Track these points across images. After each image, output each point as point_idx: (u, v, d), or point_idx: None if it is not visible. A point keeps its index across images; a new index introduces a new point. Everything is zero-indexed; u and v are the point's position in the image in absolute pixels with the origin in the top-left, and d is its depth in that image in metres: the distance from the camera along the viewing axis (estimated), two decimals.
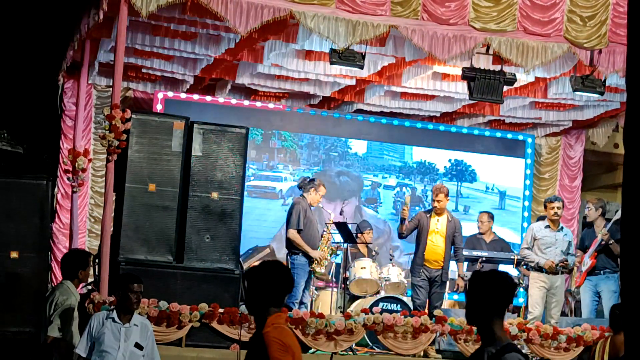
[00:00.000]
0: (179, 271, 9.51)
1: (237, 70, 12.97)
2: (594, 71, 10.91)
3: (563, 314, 11.80)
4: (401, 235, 11.19)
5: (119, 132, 9.19)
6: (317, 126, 14.45)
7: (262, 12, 9.75)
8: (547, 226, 10.94)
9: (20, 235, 8.73)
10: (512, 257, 11.98)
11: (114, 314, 7.27)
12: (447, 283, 11.12)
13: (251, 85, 13.47)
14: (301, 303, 10.78)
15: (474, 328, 9.83)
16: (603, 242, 11.28)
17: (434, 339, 10.09)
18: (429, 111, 14.58)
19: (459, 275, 11.22)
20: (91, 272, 8.97)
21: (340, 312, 10.78)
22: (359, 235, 12.18)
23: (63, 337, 8.05)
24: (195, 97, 13.73)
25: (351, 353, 9.83)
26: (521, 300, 12.82)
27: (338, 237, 11.45)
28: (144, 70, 13.07)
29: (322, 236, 11.25)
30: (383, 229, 14.49)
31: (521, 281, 11.89)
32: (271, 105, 14.24)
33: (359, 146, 14.67)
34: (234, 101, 14.03)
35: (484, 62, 11.20)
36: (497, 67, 11.01)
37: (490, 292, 4.08)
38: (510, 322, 10.17)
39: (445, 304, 12.17)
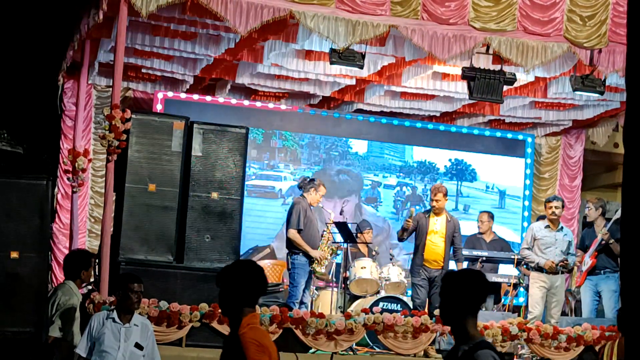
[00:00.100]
0: (179, 271, 9.52)
1: (237, 70, 12.97)
2: (594, 71, 10.92)
3: (563, 313, 11.80)
4: (401, 239, 11.21)
5: (119, 132, 9.19)
6: (317, 126, 14.45)
7: (262, 12, 9.75)
8: (547, 226, 10.94)
9: (21, 235, 8.72)
10: (512, 257, 11.97)
11: (114, 314, 7.27)
12: None
13: (251, 85, 13.47)
14: (301, 303, 10.78)
15: None
16: (603, 242, 11.28)
17: (434, 339, 10.09)
18: (429, 111, 14.58)
19: None
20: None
21: (341, 311, 10.78)
22: (358, 235, 12.19)
23: (65, 337, 8.05)
24: (195, 97, 13.73)
25: (351, 353, 9.83)
26: (521, 300, 12.82)
27: (338, 237, 11.45)
28: (143, 70, 13.07)
29: (322, 236, 11.25)
30: (382, 226, 14.49)
31: (521, 281, 11.89)
32: (271, 105, 14.24)
33: (359, 145, 14.67)
34: (233, 101, 14.03)
35: (483, 62, 11.20)
36: (497, 67, 11.00)
37: (463, 291, 4.09)
38: (511, 321, 10.18)
39: None
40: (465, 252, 11.72)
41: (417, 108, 14.45)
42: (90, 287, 9.19)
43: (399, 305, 10.79)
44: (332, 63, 10.66)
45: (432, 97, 13.98)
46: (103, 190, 10.23)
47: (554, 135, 15.27)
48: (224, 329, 9.20)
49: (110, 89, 10.23)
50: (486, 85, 10.86)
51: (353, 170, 14.61)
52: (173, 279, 9.45)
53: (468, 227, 13.16)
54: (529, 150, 15.18)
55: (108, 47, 11.51)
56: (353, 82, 13.17)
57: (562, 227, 11.02)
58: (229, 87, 13.89)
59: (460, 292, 4.09)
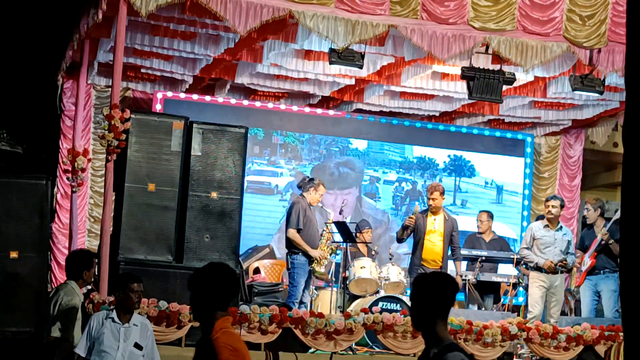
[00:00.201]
0: (178, 271, 9.51)
1: (236, 70, 12.97)
2: (593, 70, 10.92)
3: (563, 313, 11.80)
4: (401, 240, 11.20)
5: (118, 132, 9.19)
6: (316, 126, 14.45)
7: (262, 11, 9.74)
8: (546, 226, 10.94)
9: (20, 235, 8.73)
10: (512, 257, 11.97)
11: (114, 314, 7.27)
12: None
13: (250, 85, 13.47)
14: (301, 302, 10.78)
15: (474, 327, 9.85)
16: (603, 242, 11.28)
17: None
18: (428, 111, 14.59)
19: (457, 274, 11.22)
20: None
21: (340, 311, 10.78)
22: (358, 234, 12.18)
23: (66, 337, 8.04)
24: (195, 97, 13.73)
25: (351, 353, 9.83)
26: (521, 299, 12.83)
27: (338, 237, 11.45)
28: (143, 70, 13.07)
29: (321, 235, 11.25)
30: (382, 219, 14.50)
31: (521, 280, 11.89)
32: (270, 105, 14.25)
33: (359, 142, 14.68)
34: (233, 101, 14.03)
35: (483, 62, 11.20)
36: (497, 67, 11.00)
37: (433, 295, 4.10)
38: (510, 321, 10.18)
39: None
40: (464, 251, 11.73)
41: (417, 108, 14.45)
42: (88, 287, 9.19)
43: (398, 305, 10.78)
44: (331, 63, 10.66)
45: (431, 96, 13.99)
46: (102, 190, 10.23)
47: (553, 135, 15.27)
48: None
49: (110, 88, 10.23)
50: (485, 85, 10.86)
51: (353, 162, 14.60)
52: (172, 279, 9.45)
53: (465, 223, 13.18)
54: (528, 149, 15.19)
55: (107, 46, 11.51)
56: (352, 82, 13.17)
57: (561, 227, 11.01)
58: (228, 87, 13.89)
59: (430, 296, 4.10)
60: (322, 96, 14.04)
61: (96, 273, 9.09)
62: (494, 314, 11.23)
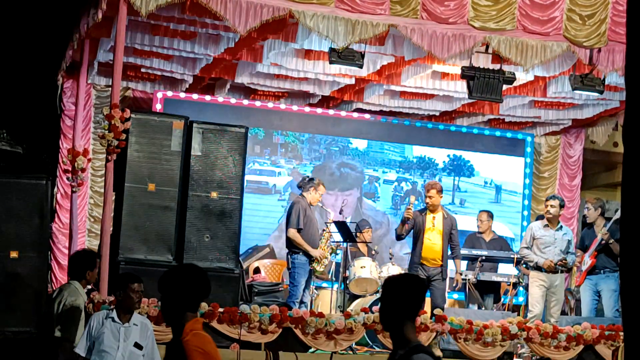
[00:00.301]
0: None
1: (236, 70, 12.97)
2: (594, 70, 10.92)
3: (563, 312, 11.80)
4: (400, 237, 11.18)
5: (118, 131, 9.19)
6: (316, 125, 14.45)
7: (262, 11, 9.75)
8: (546, 225, 10.94)
9: (20, 235, 8.72)
10: (512, 256, 11.97)
11: (114, 314, 7.27)
12: (447, 281, 11.09)
13: (250, 84, 13.47)
14: (301, 302, 10.78)
15: (474, 327, 9.85)
16: (603, 242, 11.28)
17: (440, 335, 10.10)
18: (428, 110, 14.58)
19: (457, 272, 11.22)
20: None
21: (340, 311, 10.78)
22: (358, 234, 12.19)
23: (69, 337, 8.03)
24: (195, 96, 13.72)
25: (351, 352, 9.83)
26: (521, 299, 12.83)
27: (338, 236, 11.46)
28: (143, 70, 13.07)
29: (321, 235, 11.25)
30: (382, 220, 14.49)
31: (521, 280, 11.89)
32: (270, 105, 14.25)
33: (359, 142, 14.68)
34: (233, 100, 14.03)
35: (483, 61, 11.20)
36: (497, 66, 11.00)
37: (401, 296, 4.10)
38: (510, 321, 10.18)
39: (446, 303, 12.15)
40: (464, 251, 11.72)
41: (417, 107, 14.45)
42: (88, 287, 9.18)
43: None
44: (331, 62, 10.66)
45: (431, 96, 13.98)
46: (102, 190, 10.23)
47: (553, 135, 15.27)
48: (224, 329, 9.21)
49: (110, 88, 10.23)
50: (485, 84, 10.86)
51: (354, 163, 14.60)
52: None
53: (464, 222, 13.17)
54: (528, 149, 15.19)
55: (107, 46, 11.51)
56: (352, 81, 13.17)
57: (561, 226, 11.01)
58: (228, 86, 13.89)
59: (398, 297, 4.10)
60: (322, 96, 14.04)
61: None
62: (494, 313, 11.23)
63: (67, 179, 11.26)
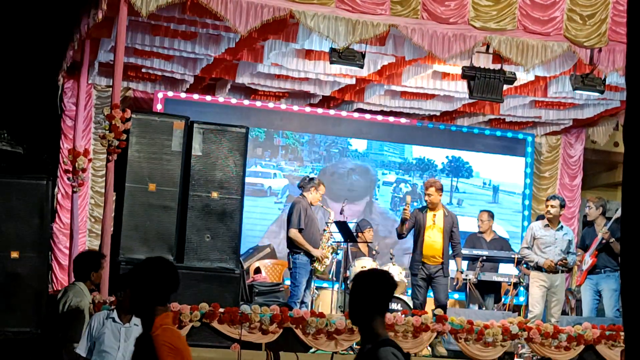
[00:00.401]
0: (179, 271, 9.45)
1: (237, 70, 12.97)
2: (594, 70, 10.92)
3: (564, 312, 11.80)
4: (401, 236, 11.18)
5: (119, 131, 9.20)
6: (317, 125, 14.45)
7: (262, 11, 9.75)
8: (547, 225, 10.94)
9: (21, 235, 8.72)
10: (513, 256, 11.97)
11: (114, 314, 7.27)
12: (449, 279, 11.07)
13: (251, 84, 13.47)
14: (302, 302, 10.78)
15: (474, 327, 9.85)
16: (604, 241, 11.27)
17: (440, 335, 10.11)
18: (429, 110, 14.58)
19: (458, 271, 11.22)
20: None
21: (341, 311, 10.78)
22: (359, 234, 12.19)
23: (74, 338, 8.02)
24: (195, 96, 13.73)
25: (352, 352, 9.82)
26: (522, 299, 12.83)
27: (338, 236, 11.45)
28: (143, 70, 13.07)
29: (322, 235, 11.26)
30: (391, 229, 14.38)
31: (522, 280, 11.89)
32: (271, 105, 14.25)
33: (359, 143, 14.67)
34: (233, 101, 14.03)
35: (483, 61, 11.20)
36: (497, 66, 11.00)
37: (370, 291, 4.12)
38: (511, 321, 10.18)
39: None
40: (465, 251, 11.72)
41: (417, 107, 14.45)
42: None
43: (399, 305, 10.79)
44: (332, 62, 10.66)
45: (432, 96, 13.98)
46: (103, 190, 10.23)
47: (554, 135, 15.27)
48: (225, 329, 9.21)
49: (110, 88, 10.23)
50: (486, 84, 10.86)
51: (363, 166, 14.54)
52: None
53: (461, 222, 13.15)
54: (529, 149, 15.19)
55: (108, 47, 11.51)
56: (353, 81, 13.17)
57: (561, 226, 11.01)
58: (229, 86, 13.90)
59: (367, 292, 4.12)
60: (323, 96, 14.04)
61: None
62: (494, 313, 11.23)
63: (68, 179, 11.26)
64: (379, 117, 14.57)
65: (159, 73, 13.15)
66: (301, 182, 11.51)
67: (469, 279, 11.73)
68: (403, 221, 10.91)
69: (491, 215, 12.97)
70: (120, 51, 9.46)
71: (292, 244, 11.02)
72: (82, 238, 12.90)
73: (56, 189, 12.94)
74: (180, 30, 11.20)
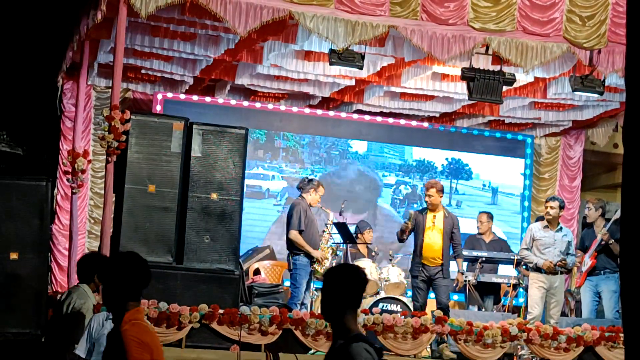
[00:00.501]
0: (178, 272, 9.51)
1: (236, 71, 12.97)
2: (594, 71, 10.92)
3: (563, 314, 11.80)
4: (401, 240, 11.19)
5: (118, 133, 9.20)
6: (316, 127, 14.45)
7: (261, 12, 9.75)
8: (546, 226, 10.95)
9: (20, 236, 8.72)
10: (512, 258, 11.97)
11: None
12: (450, 280, 11.07)
13: (250, 85, 13.47)
14: (301, 304, 10.78)
15: (474, 328, 9.85)
16: (603, 242, 11.27)
17: (443, 338, 10.13)
18: (428, 111, 14.58)
19: (458, 272, 11.22)
20: None
21: None
22: (359, 235, 12.18)
23: (77, 340, 8.01)
24: (195, 98, 13.72)
25: None
26: (521, 300, 12.82)
27: (338, 237, 11.45)
28: (143, 71, 13.07)
29: (321, 236, 11.25)
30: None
31: (521, 281, 11.89)
32: (270, 106, 14.25)
33: (359, 145, 14.67)
34: (233, 102, 14.03)
35: (483, 63, 11.20)
36: (497, 68, 11.00)
37: (342, 286, 4.12)
38: (510, 322, 10.17)
39: None
40: (464, 252, 11.71)
41: (417, 109, 14.45)
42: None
43: (398, 306, 10.79)
44: (331, 64, 10.66)
45: (431, 97, 13.98)
46: (103, 191, 10.23)
47: (553, 136, 15.27)
48: (224, 330, 9.21)
49: (110, 89, 10.23)
50: (485, 85, 10.86)
51: (367, 173, 14.48)
52: (173, 280, 9.44)
53: (461, 223, 13.16)
54: (528, 150, 15.19)
55: (107, 48, 11.51)
56: (352, 82, 13.17)
57: (561, 228, 11.01)
58: (228, 87, 13.89)
59: (339, 288, 4.11)
60: (322, 97, 14.04)
61: None
62: (494, 314, 11.23)
63: (67, 180, 11.26)
64: (379, 119, 14.57)
65: (159, 74, 13.15)
66: (300, 184, 11.50)
67: (469, 280, 11.73)
68: (403, 231, 10.94)
69: (490, 216, 12.97)
70: (120, 52, 9.46)
71: (292, 246, 11.01)
72: (82, 239, 12.91)
73: (56, 190, 12.93)
74: (180, 32, 11.21)
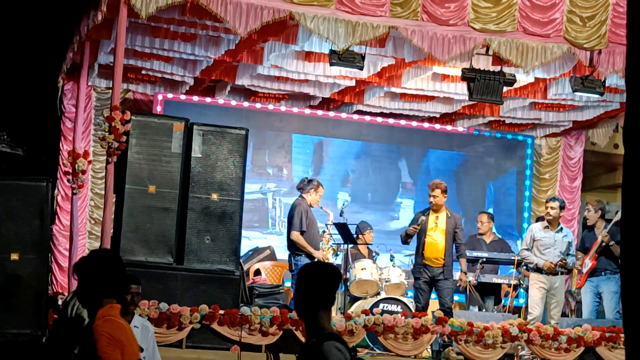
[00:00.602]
0: (179, 273, 9.51)
1: (236, 72, 12.97)
2: (594, 72, 10.91)
3: (563, 314, 11.80)
4: (406, 243, 11.21)
5: (118, 133, 9.19)
6: (316, 127, 14.45)
7: (262, 13, 9.74)
8: (546, 227, 10.95)
9: (21, 236, 8.73)
10: (513, 258, 11.97)
11: None
12: (453, 282, 11.07)
13: (251, 86, 13.47)
14: None
15: (474, 329, 9.84)
16: (603, 244, 11.26)
17: (447, 342, 10.14)
18: (428, 112, 14.58)
19: (461, 272, 11.22)
20: None
21: (341, 313, 10.77)
22: (359, 235, 12.18)
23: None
24: (195, 98, 13.72)
25: (352, 354, 9.80)
26: (521, 301, 12.82)
27: (338, 237, 11.44)
28: (143, 72, 13.07)
29: (322, 236, 11.25)
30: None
31: (522, 282, 11.89)
32: (271, 107, 14.24)
33: (359, 146, 14.66)
34: (233, 102, 14.02)
35: (483, 63, 11.20)
36: (497, 68, 11.00)
37: (315, 285, 4.08)
38: (511, 322, 10.18)
39: None
40: None
41: (417, 109, 14.44)
42: None
43: (399, 307, 10.78)
44: (331, 64, 10.66)
45: (432, 98, 13.98)
46: (103, 192, 10.23)
47: (553, 136, 15.26)
48: (224, 331, 9.21)
49: (110, 90, 10.23)
50: (486, 86, 10.85)
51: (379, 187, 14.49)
52: (173, 281, 9.45)
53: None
54: (528, 151, 15.18)
55: (108, 48, 11.51)
56: (353, 83, 13.16)
57: (561, 228, 11.01)
58: (228, 88, 13.89)
59: (312, 286, 4.08)
60: (323, 98, 14.04)
61: None
62: (494, 315, 11.23)
63: (68, 180, 11.25)
64: (379, 119, 14.57)
65: (159, 75, 13.15)
66: (300, 184, 11.50)
67: (469, 281, 11.73)
68: (409, 235, 10.95)
69: (491, 217, 12.97)
70: (120, 53, 9.46)
71: (293, 246, 11.01)
72: (82, 240, 12.90)
73: (56, 191, 12.93)
74: (180, 32, 11.20)
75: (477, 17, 10.30)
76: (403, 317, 9.82)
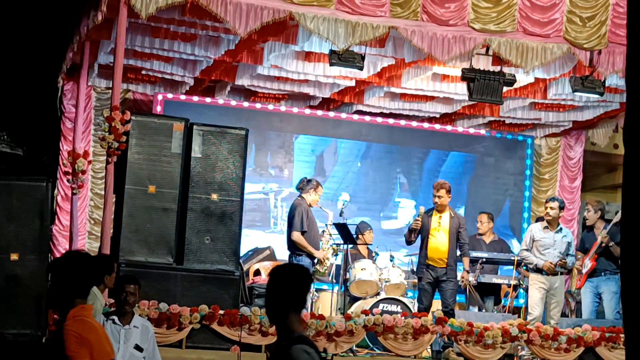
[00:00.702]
0: (179, 273, 9.51)
1: (236, 72, 12.97)
2: (594, 72, 10.91)
3: (563, 314, 11.80)
4: (410, 242, 11.20)
5: (118, 133, 9.20)
6: (316, 127, 14.44)
7: (262, 13, 9.75)
8: (546, 227, 10.95)
9: (21, 237, 8.72)
10: (512, 258, 11.97)
11: (114, 316, 7.27)
12: (456, 282, 11.05)
13: (251, 86, 13.47)
14: None
15: (474, 329, 9.84)
16: (603, 245, 11.26)
17: (448, 342, 10.14)
18: (428, 112, 14.58)
19: (464, 270, 11.22)
20: None
21: (341, 313, 10.77)
22: (359, 236, 12.17)
23: None
24: (195, 98, 13.72)
25: (351, 354, 9.83)
26: (521, 301, 12.82)
27: (338, 238, 11.44)
28: (143, 72, 13.07)
29: (321, 236, 11.25)
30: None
31: (521, 282, 11.89)
32: (271, 107, 14.24)
33: (359, 146, 14.66)
34: (233, 102, 14.02)
35: (483, 63, 11.19)
36: (497, 68, 11.00)
37: (285, 287, 4.06)
38: (511, 323, 10.18)
39: None
40: None
41: (417, 109, 14.44)
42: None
43: (399, 307, 10.78)
44: (331, 64, 10.65)
45: (431, 98, 13.98)
46: (103, 192, 10.23)
47: (553, 137, 15.26)
48: (224, 331, 9.21)
49: (110, 90, 10.23)
50: (486, 86, 10.85)
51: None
52: (173, 281, 9.45)
53: None
54: (528, 151, 15.18)
55: (108, 48, 11.51)
56: (353, 83, 13.16)
57: (561, 228, 11.01)
58: (228, 88, 13.89)
59: (282, 287, 4.06)
60: (323, 98, 14.04)
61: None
62: (494, 315, 11.22)
63: (68, 181, 11.26)
64: (379, 119, 14.57)
65: (159, 75, 13.15)
66: (299, 184, 11.49)
67: (469, 281, 11.73)
68: (412, 231, 10.94)
69: (491, 217, 12.97)
70: (120, 53, 9.46)
71: (294, 247, 11.01)
72: (82, 240, 12.90)
73: (56, 191, 12.93)
74: (180, 32, 11.20)
75: (477, 17, 10.30)
76: (403, 318, 9.82)
